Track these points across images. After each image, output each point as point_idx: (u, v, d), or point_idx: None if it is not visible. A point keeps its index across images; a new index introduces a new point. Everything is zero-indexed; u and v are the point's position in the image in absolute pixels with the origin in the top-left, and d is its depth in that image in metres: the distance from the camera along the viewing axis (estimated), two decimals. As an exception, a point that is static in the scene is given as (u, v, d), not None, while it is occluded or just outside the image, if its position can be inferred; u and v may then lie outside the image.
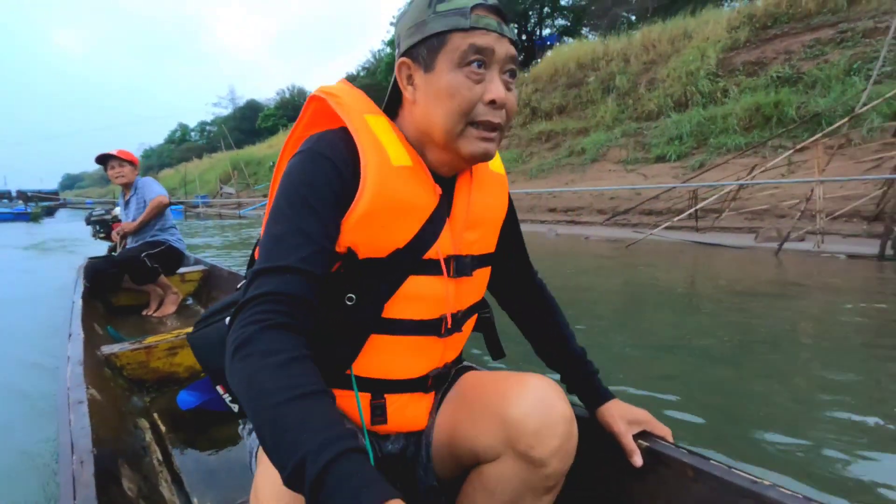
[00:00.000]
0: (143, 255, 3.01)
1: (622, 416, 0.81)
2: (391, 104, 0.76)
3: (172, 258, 3.20)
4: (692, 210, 7.07)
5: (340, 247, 0.65)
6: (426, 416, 0.79)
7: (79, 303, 2.30)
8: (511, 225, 0.88)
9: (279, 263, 0.59)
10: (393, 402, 0.74)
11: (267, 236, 0.62)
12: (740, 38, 11.76)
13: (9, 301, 4.18)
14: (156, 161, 63.80)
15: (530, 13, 22.44)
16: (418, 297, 0.71)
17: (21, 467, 1.52)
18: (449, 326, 0.75)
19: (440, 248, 0.70)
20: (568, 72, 15.41)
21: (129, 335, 2.35)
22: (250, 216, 18.18)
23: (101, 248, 3.79)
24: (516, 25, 23.08)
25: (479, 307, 0.85)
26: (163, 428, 1.53)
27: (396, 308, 0.70)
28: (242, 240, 9.56)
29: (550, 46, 19.24)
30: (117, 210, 3.45)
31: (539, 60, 17.75)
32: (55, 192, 37.45)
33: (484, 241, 0.79)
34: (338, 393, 0.71)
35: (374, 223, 0.65)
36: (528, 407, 0.68)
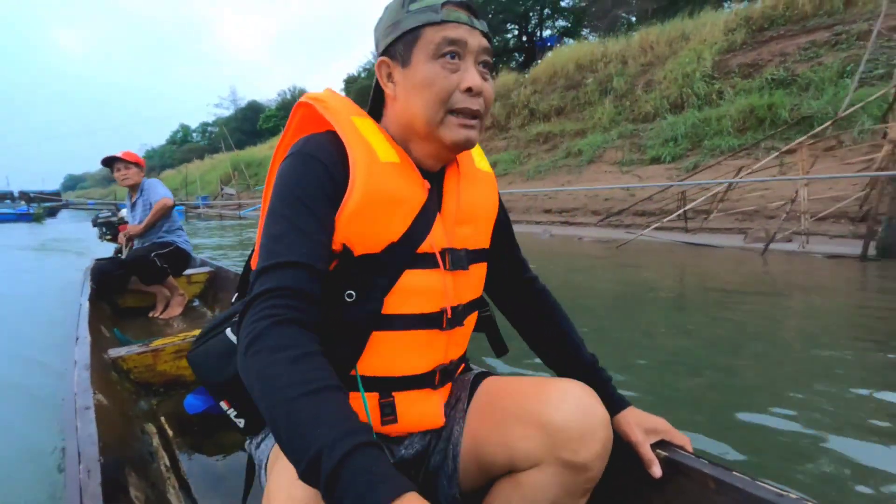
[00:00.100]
0: (152, 254, 3.05)
1: (639, 425, 0.79)
2: (375, 108, 0.79)
3: (180, 259, 3.24)
4: (681, 211, 7.16)
5: (336, 244, 0.67)
6: (440, 413, 0.78)
7: (86, 305, 2.28)
8: (503, 225, 0.89)
9: (281, 260, 0.61)
10: (402, 399, 0.74)
11: (266, 237, 0.64)
12: (737, 41, 11.82)
13: (10, 300, 4.25)
14: (158, 162, 63.76)
15: (531, 14, 22.45)
16: (417, 290, 0.71)
17: (27, 470, 1.51)
18: (450, 317, 0.75)
19: (434, 242, 0.72)
20: (566, 74, 15.47)
21: (135, 337, 2.35)
22: (250, 217, 18.27)
23: (106, 248, 3.83)
24: (516, 27, 23.16)
25: (479, 305, 0.86)
26: (170, 432, 1.50)
27: (396, 303, 0.70)
28: (242, 241, 9.68)
29: (551, 48, 19.23)
30: (123, 212, 3.47)
31: (539, 62, 17.81)
32: (57, 193, 37.52)
33: (477, 235, 0.80)
34: None
35: (365, 218, 0.67)
36: (569, 412, 0.67)
